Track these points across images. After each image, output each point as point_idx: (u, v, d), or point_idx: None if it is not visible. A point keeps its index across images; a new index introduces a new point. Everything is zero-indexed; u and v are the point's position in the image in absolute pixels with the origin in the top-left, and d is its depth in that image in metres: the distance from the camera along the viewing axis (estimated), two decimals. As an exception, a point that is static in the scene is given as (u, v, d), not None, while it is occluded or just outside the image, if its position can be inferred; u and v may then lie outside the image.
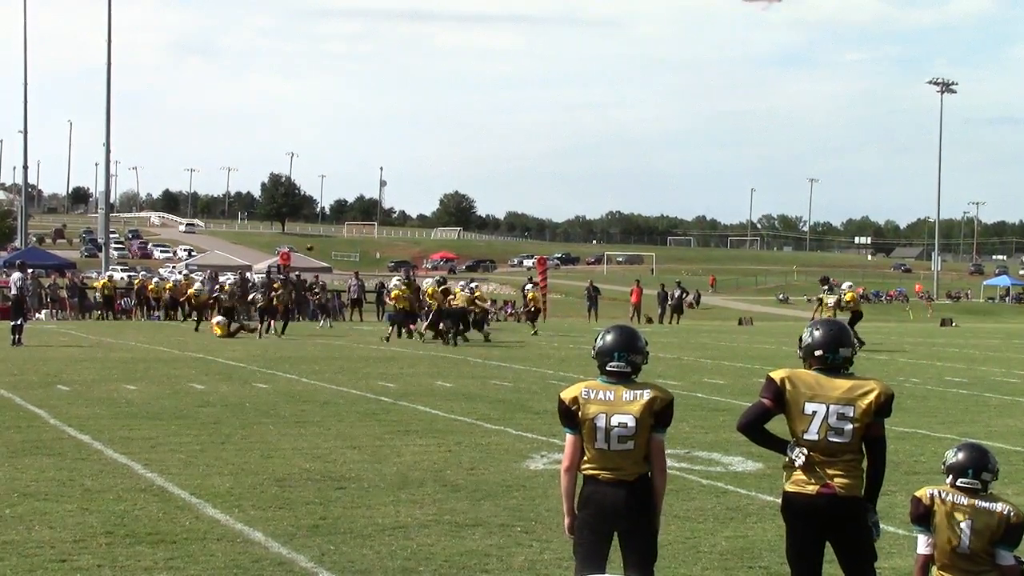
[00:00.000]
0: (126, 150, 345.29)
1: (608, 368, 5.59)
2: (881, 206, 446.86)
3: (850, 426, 5.47)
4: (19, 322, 26.75)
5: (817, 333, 5.65)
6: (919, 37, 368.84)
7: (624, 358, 5.58)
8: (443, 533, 8.35)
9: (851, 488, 5.48)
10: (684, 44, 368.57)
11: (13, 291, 28.05)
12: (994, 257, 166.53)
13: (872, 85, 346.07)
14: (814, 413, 5.51)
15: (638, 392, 5.51)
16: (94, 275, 55.37)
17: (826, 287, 33.61)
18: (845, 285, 33.07)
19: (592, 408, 5.48)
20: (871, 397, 5.48)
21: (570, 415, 5.53)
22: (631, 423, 5.43)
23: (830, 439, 5.48)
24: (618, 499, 5.45)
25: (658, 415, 5.49)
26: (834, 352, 5.59)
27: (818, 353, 5.61)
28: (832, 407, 5.48)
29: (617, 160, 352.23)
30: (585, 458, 5.55)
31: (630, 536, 5.50)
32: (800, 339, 5.76)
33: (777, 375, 5.64)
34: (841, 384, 5.54)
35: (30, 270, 36.36)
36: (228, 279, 46.48)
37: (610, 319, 41.73)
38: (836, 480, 5.47)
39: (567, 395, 5.58)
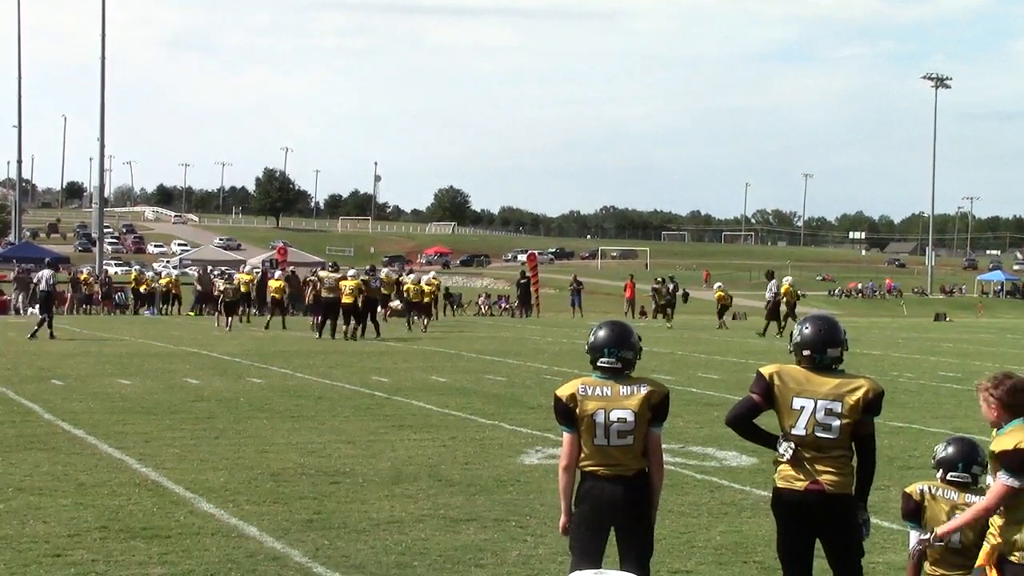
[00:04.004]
0: (121, 145, 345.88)
1: (599, 364, 5.59)
2: (876, 201, 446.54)
3: (838, 422, 5.47)
4: (48, 316, 27.94)
5: (807, 331, 5.64)
6: (914, 32, 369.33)
7: (615, 354, 5.57)
8: (437, 528, 8.35)
9: (840, 485, 5.48)
10: (679, 40, 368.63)
11: (43, 287, 29.05)
12: (988, 252, 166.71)
13: (867, 80, 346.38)
14: (802, 408, 5.51)
15: (635, 387, 5.51)
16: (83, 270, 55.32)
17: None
18: (785, 279, 37.02)
19: (591, 404, 5.47)
20: (859, 394, 5.47)
21: (567, 413, 5.51)
22: (630, 418, 5.43)
23: (818, 435, 5.48)
24: (616, 494, 5.44)
25: (655, 409, 5.49)
26: (822, 352, 5.58)
27: (806, 352, 5.61)
28: (820, 402, 5.48)
29: (611, 155, 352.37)
30: (583, 455, 5.53)
31: (627, 531, 5.49)
32: (791, 335, 5.77)
33: (766, 370, 5.65)
34: (830, 380, 5.54)
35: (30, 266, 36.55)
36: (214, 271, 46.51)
37: (603, 314, 41.75)
38: (824, 477, 5.47)
39: (563, 392, 5.55)
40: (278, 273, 41.29)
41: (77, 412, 14.06)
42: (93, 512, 8.61)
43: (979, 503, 5.10)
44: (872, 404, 5.50)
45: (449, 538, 8.06)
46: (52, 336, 27.04)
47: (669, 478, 10.30)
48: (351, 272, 31.50)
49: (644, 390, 5.49)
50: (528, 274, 51.52)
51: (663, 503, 9.45)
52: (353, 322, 28.84)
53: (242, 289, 36.72)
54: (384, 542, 7.92)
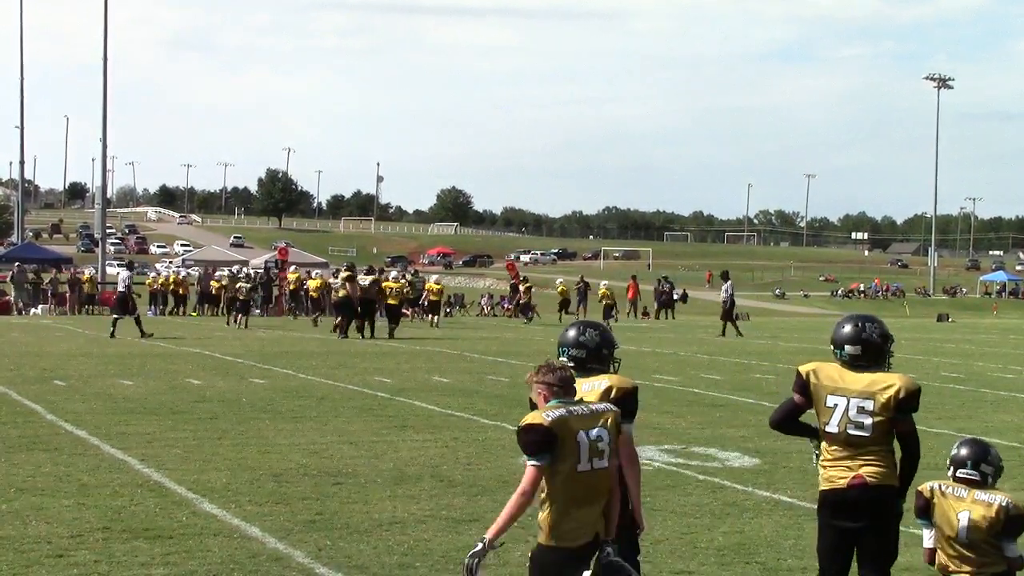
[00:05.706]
0: (123, 145, 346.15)
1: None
2: (878, 201, 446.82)
3: (870, 420, 5.48)
4: (125, 316, 28.49)
5: (844, 329, 5.68)
6: (914, 33, 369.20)
7: (566, 353, 5.65)
8: (440, 528, 8.35)
9: (881, 476, 5.50)
10: (679, 40, 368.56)
11: (121, 288, 29.61)
12: (990, 253, 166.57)
13: (868, 81, 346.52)
14: (835, 406, 5.55)
15: (596, 383, 5.50)
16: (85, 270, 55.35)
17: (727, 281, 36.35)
18: (603, 283, 41.27)
19: None
20: (891, 392, 5.48)
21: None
22: None
23: (850, 432, 5.50)
24: None
25: (618, 404, 5.40)
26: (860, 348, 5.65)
27: (849, 348, 5.64)
28: (853, 400, 5.51)
29: (614, 156, 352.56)
30: None
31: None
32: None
33: (804, 368, 5.71)
34: (863, 378, 5.55)
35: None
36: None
37: (600, 314, 41.76)
38: (864, 469, 5.51)
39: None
40: (316, 272, 42.08)
41: (79, 413, 14.06)
42: (95, 513, 8.61)
43: (517, 491, 5.00)
44: (904, 402, 5.49)
45: (451, 539, 8.05)
46: (143, 335, 27.73)
47: (671, 478, 10.31)
48: (393, 274, 32.05)
49: (604, 385, 5.47)
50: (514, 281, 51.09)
51: (665, 504, 9.45)
52: (390, 322, 29.55)
53: (291, 287, 40.48)
54: (386, 543, 7.92)
